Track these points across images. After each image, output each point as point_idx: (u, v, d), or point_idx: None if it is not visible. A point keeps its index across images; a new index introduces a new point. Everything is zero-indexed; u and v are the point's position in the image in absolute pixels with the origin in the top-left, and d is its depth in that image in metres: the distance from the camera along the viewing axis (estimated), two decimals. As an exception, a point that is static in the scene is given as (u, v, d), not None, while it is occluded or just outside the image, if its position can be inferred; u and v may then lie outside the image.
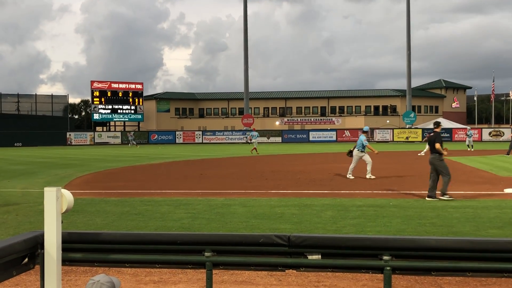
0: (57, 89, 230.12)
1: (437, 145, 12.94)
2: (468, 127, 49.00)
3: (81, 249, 3.99)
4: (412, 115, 68.63)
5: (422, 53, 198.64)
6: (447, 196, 12.57)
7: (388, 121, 79.58)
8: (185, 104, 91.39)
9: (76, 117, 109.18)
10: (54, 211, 3.54)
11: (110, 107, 75.84)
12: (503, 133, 60.24)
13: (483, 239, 3.85)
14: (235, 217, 10.55)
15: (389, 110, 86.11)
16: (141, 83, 79.32)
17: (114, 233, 4.54)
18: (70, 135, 67.18)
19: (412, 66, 70.01)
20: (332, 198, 13.23)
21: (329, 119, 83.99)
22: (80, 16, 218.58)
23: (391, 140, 63.99)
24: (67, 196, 3.62)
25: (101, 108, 75.50)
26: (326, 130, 70.46)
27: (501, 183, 16.06)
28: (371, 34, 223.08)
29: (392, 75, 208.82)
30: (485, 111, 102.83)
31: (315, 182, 17.54)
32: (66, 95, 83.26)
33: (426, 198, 12.81)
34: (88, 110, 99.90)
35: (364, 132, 19.12)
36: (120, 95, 76.35)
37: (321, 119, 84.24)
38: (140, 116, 78.18)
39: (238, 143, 63.33)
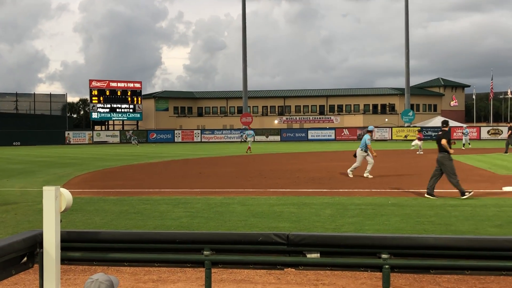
0: (55, 88, 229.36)
1: (443, 141, 12.81)
2: (464, 126, 49.09)
3: (80, 248, 3.99)
4: (410, 113, 68.74)
5: (420, 51, 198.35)
6: (468, 193, 12.42)
7: (386, 120, 79.68)
8: (184, 103, 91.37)
9: (75, 116, 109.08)
10: (53, 210, 3.54)
11: (108, 106, 75.83)
12: (502, 131, 60.29)
13: (481, 237, 3.86)
14: (234, 216, 10.56)
15: (387, 108, 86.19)
16: (140, 82, 79.41)
17: (113, 232, 4.54)
18: (68, 134, 67.16)
19: (410, 64, 70.16)
20: (331, 197, 13.23)
21: (328, 118, 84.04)
22: (79, 15, 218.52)
23: (390, 138, 64.06)
24: (66, 195, 3.63)
25: (100, 107, 75.48)
26: (325, 128, 70.48)
27: (499, 181, 16.07)
28: (370, 32, 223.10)
29: (390, 74, 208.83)
30: (483, 109, 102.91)
31: (314, 180, 17.55)
32: (64, 94, 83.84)
33: (425, 195, 12.83)
34: (86, 109, 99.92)
35: (368, 131, 19.13)
36: (119, 94, 76.33)
37: (319, 118, 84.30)
38: (138, 115, 78.19)
39: (237, 142, 63.31)
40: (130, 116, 77.60)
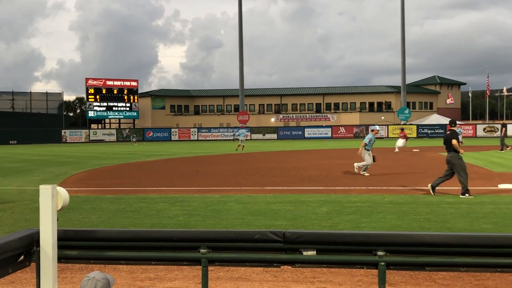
0: (51, 87, 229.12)
1: (454, 141, 12.82)
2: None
3: (76, 246, 4.00)
4: (406, 111, 68.84)
5: (417, 49, 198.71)
6: (468, 195, 12.39)
7: (383, 118, 79.71)
8: (181, 101, 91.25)
9: (71, 114, 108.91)
10: (50, 208, 3.54)
11: (105, 104, 75.67)
12: (497, 129, 60.47)
13: (477, 234, 3.87)
14: (231, 214, 10.57)
15: (384, 106, 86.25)
16: (136, 80, 79.19)
17: (109, 230, 4.54)
18: (65, 132, 67.04)
19: (407, 62, 70.29)
20: (327, 195, 13.26)
21: (324, 116, 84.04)
22: (75, 13, 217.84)
23: (386, 136, 64.13)
24: (63, 193, 3.63)
25: (96, 106, 75.33)
26: (321, 126, 70.56)
27: (495, 179, 16.14)
28: (366, 30, 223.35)
29: (387, 72, 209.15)
30: (479, 107, 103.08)
31: (311, 178, 17.57)
32: (61, 93, 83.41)
33: (428, 185, 13.01)
34: (83, 107, 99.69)
35: (372, 131, 19.22)
36: (115, 92, 76.18)
37: (316, 116, 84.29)
38: (135, 113, 78.04)
39: (234, 140, 63.31)
40: (127, 114, 77.45)
